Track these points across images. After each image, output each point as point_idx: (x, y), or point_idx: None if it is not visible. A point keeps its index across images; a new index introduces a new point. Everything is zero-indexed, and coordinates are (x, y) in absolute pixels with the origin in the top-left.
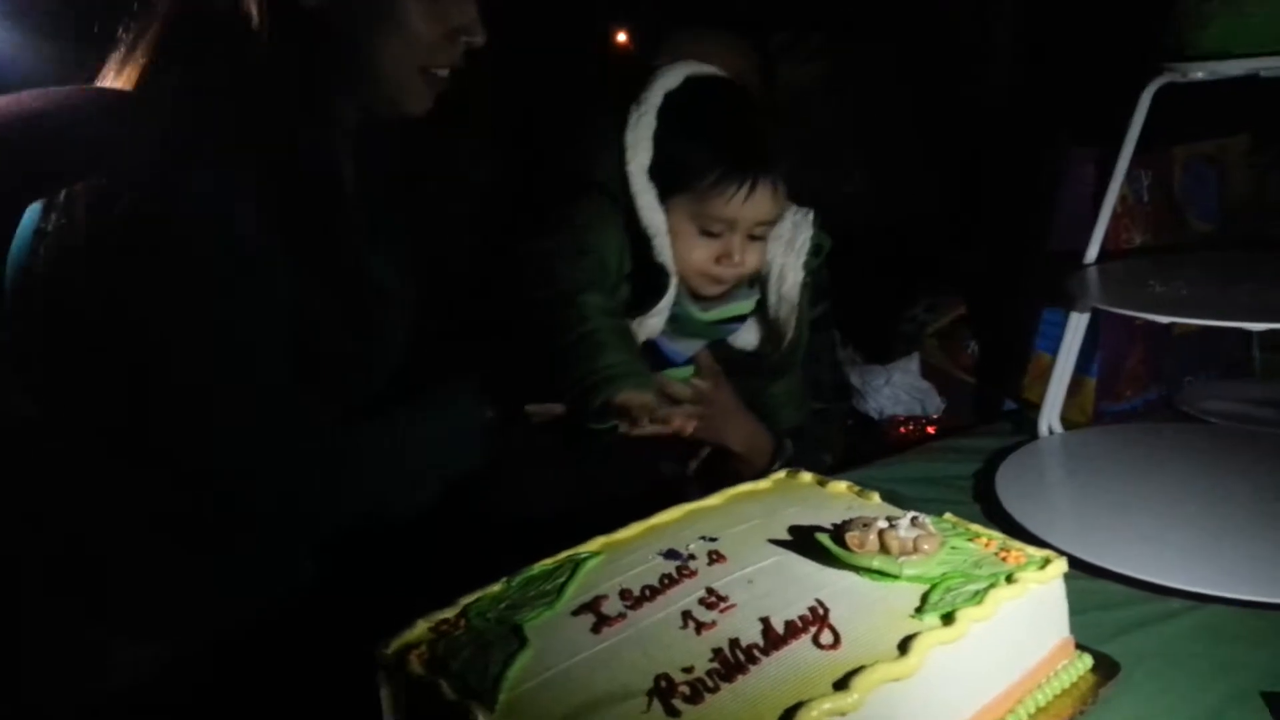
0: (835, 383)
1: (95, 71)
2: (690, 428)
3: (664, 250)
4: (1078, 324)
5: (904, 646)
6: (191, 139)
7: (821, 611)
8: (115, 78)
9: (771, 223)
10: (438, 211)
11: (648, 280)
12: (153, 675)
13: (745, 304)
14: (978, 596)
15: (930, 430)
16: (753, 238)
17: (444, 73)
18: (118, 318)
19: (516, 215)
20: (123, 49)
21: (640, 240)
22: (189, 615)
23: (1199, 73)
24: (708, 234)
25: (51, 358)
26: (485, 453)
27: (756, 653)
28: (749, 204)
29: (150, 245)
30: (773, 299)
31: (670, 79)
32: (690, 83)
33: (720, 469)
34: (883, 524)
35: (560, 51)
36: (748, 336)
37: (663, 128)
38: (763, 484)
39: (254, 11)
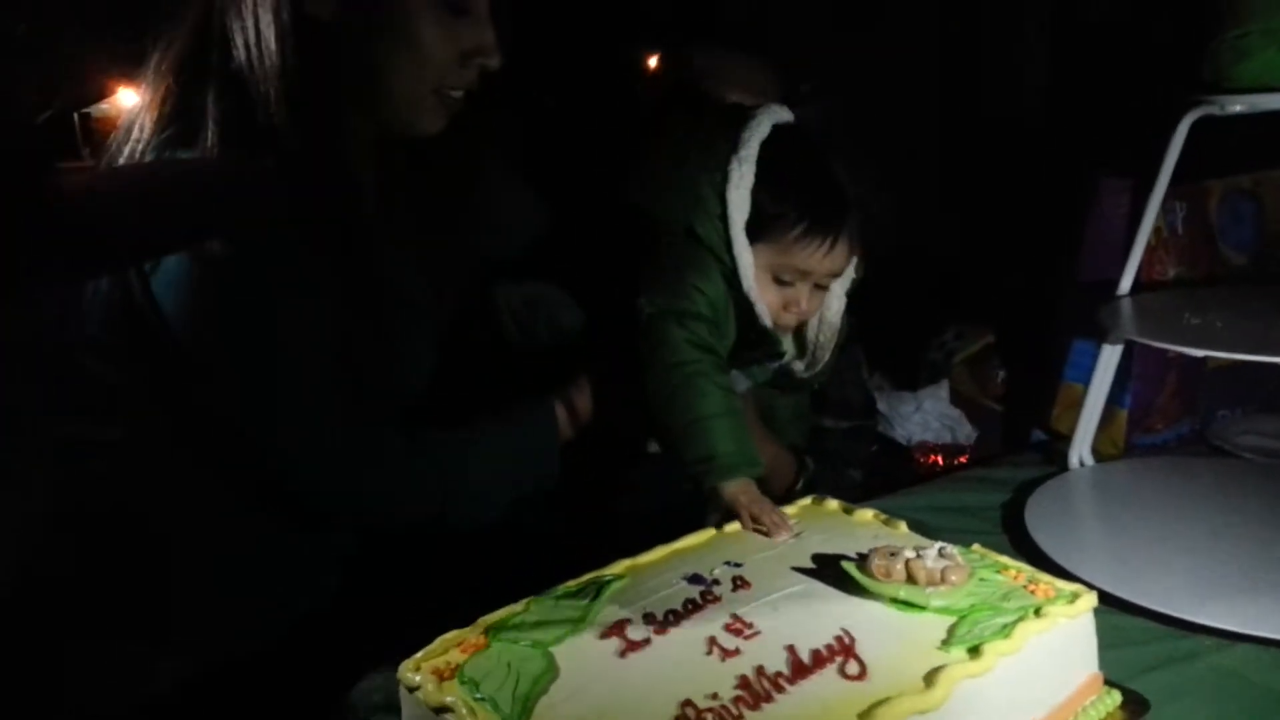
0: (864, 401)
1: (120, 78)
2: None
3: (765, 315)
4: (1110, 355)
5: (930, 679)
6: (252, 181)
7: (848, 641)
8: (147, 94)
9: (840, 274)
10: (467, 226)
11: (741, 338)
12: (184, 682)
13: (788, 338)
14: (1006, 630)
15: (963, 459)
16: (818, 286)
17: (458, 94)
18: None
19: (589, 255)
20: (150, 68)
21: (741, 301)
22: (232, 621)
23: (1237, 105)
24: (780, 282)
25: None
26: (557, 475)
27: (782, 681)
28: (829, 258)
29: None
30: (814, 324)
31: (762, 128)
32: (778, 131)
33: None
34: (910, 554)
35: (590, 73)
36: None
37: (759, 178)
38: (788, 510)
39: (270, 26)
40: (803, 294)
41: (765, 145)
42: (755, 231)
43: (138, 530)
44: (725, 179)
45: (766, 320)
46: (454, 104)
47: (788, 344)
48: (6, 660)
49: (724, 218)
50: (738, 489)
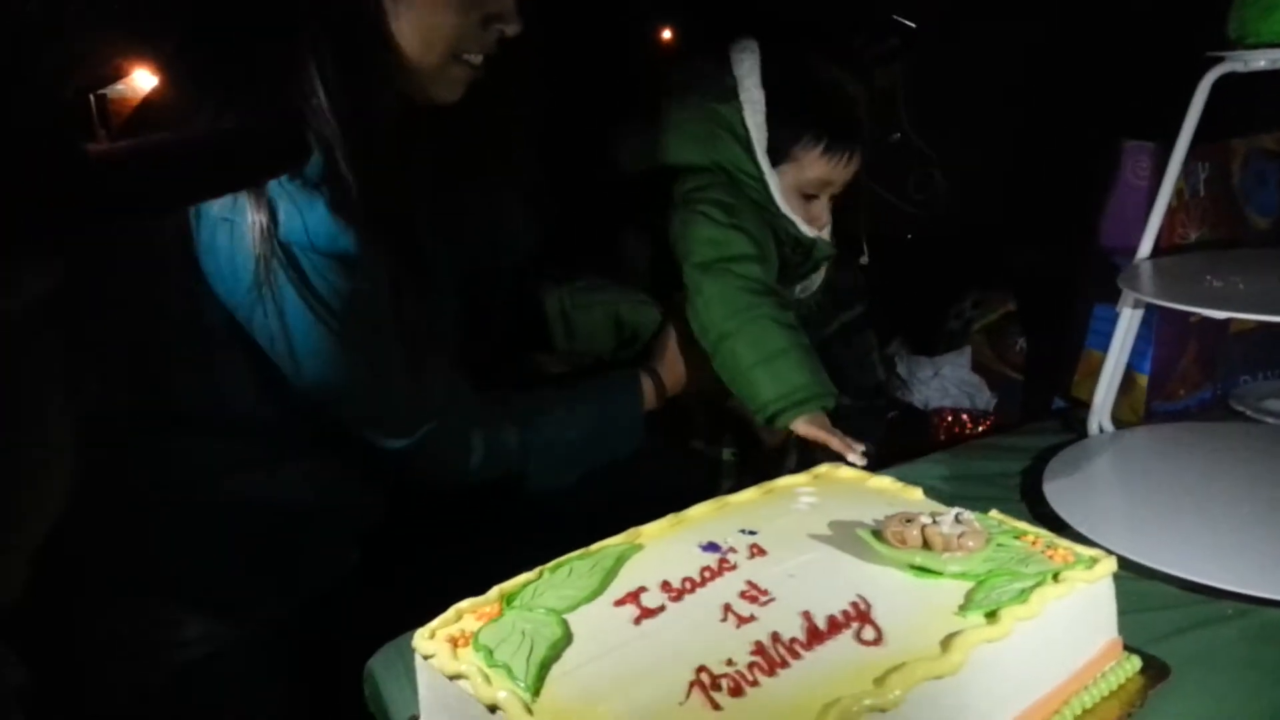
0: (877, 383)
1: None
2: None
3: (807, 228)
4: (1131, 319)
5: (947, 644)
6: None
7: (864, 607)
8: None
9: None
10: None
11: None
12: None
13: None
14: (1023, 595)
15: (984, 425)
16: (832, 195)
17: (477, 60)
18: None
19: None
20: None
21: (773, 223)
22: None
23: (1261, 61)
24: (806, 196)
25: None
26: (637, 446)
27: (798, 647)
28: (849, 166)
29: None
30: None
31: (754, 54)
32: (768, 55)
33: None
34: (926, 520)
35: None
36: None
37: (768, 105)
38: (802, 478)
39: None
40: (823, 205)
41: (764, 68)
42: (775, 154)
43: (178, 503)
44: (741, 108)
45: (812, 233)
46: (474, 70)
47: (826, 248)
48: (48, 625)
49: (748, 146)
50: (813, 421)
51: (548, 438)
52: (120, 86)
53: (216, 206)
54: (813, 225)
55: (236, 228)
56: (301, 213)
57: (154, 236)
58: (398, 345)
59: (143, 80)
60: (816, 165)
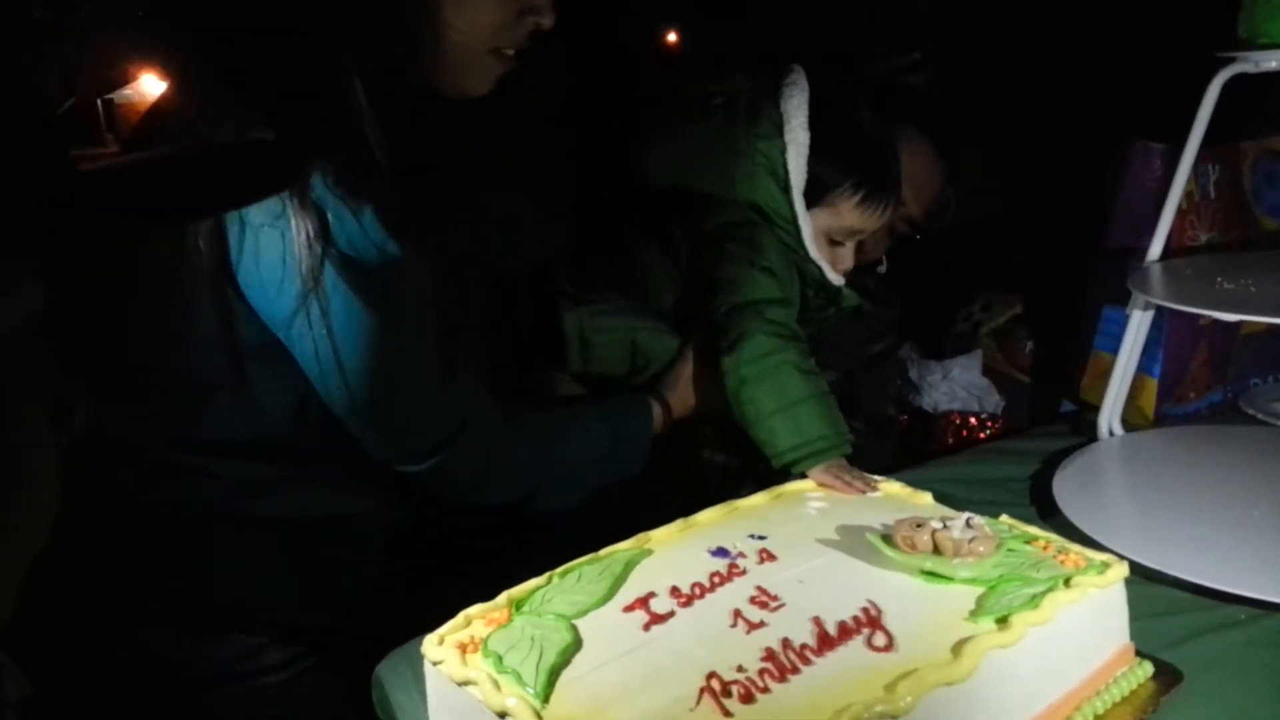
0: (888, 414)
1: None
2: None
3: (835, 276)
4: (1140, 322)
5: (958, 650)
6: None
7: (874, 613)
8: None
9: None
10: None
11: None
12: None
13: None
14: (1034, 600)
15: (992, 428)
16: (860, 242)
17: (510, 53)
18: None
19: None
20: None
21: (804, 266)
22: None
23: (1272, 62)
24: (833, 243)
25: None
26: (647, 465)
27: (808, 653)
28: (883, 216)
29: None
30: None
31: (803, 91)
32: (818, 92)
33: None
34: (936, 524)
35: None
36: None
37: (812, 147)
38: (810, 483)
39: None
40: (849, 251)
41: (811, 107)
42: (810, 197)
43: (198, 513)
44: (785, 148)
45: (838, 280)
46: (508, 63)
47: (851, 298)
48: (68, 628)
49: (786, 186)
50: (829, 469)
51: (558, 459)
52: (128, 91)
53: (258, 214)
54: (838, 271)
55: (285, 235)
56: (351, 216)
57: (186, 251)
58: (438, 354)
59: (150, 85)
60: (851, 214)
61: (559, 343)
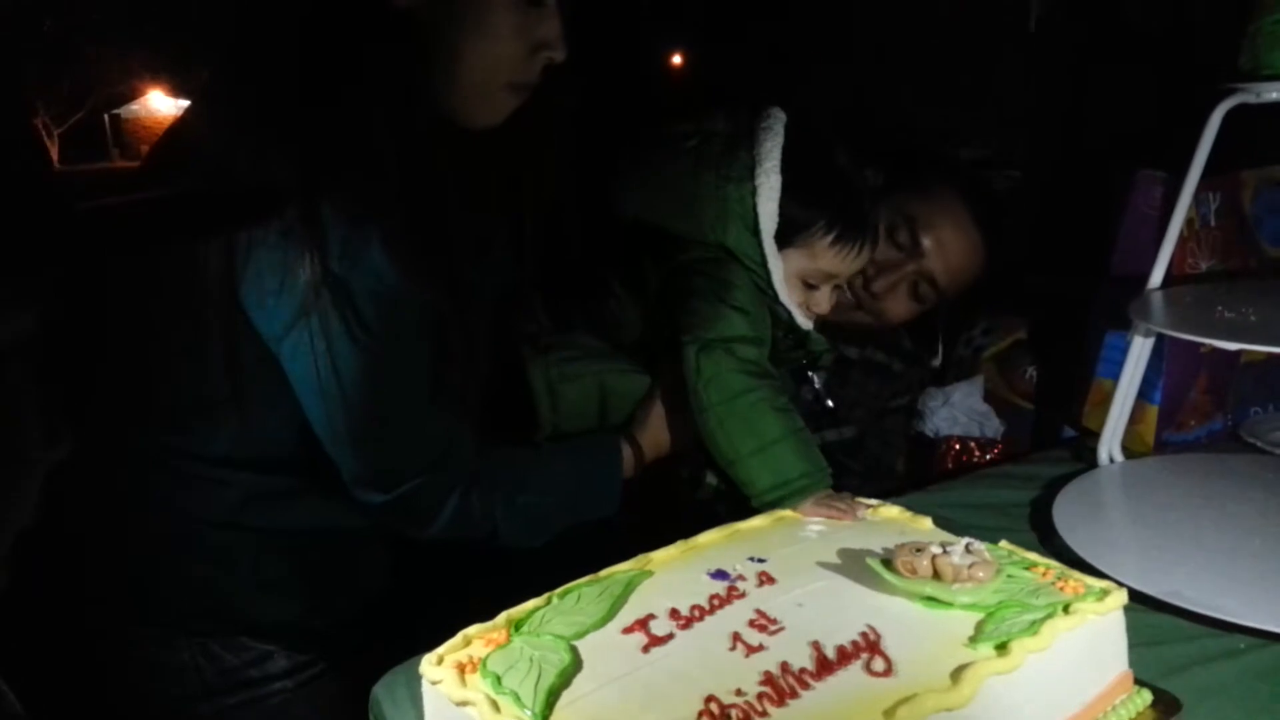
0: (888, 465)
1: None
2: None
3: (804, 320)
4: (1141, 349)
5: (957, 676)
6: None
7: (873, 637)
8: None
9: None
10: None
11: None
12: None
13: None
14: (1034, 626)
15: (992, 454)
16: (836, 286)
17: (524, 86)
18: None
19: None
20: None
21: (774, 307)
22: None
23: (1274, 93)
24: (806, 285)
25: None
26: (616, 508)
27: (807, 677)
28: (858, 259)
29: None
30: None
31: (779, 134)
32: (792, 134)
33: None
34: (936, 549)
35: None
36: None
37: (783, 189)
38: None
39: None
40: (825, 295)
41: (785, 151)
42: (783, 239)
43: (193, 527)
44: (756, 191)
45: (807, 324)
46: (521, 95)
47: (820, 343)
48: (75, 635)
49: (756, 230)
50: (820, 500)
51: (523, 502)
52: (135, 107)
53: (264, 231)
54: (809, 315)
55: (287, 253)
56: (356, 241)
57: (195, 268)
58: (428, 385)
59: (157, 102)
60: (824, 256)
61: (527, 397)
